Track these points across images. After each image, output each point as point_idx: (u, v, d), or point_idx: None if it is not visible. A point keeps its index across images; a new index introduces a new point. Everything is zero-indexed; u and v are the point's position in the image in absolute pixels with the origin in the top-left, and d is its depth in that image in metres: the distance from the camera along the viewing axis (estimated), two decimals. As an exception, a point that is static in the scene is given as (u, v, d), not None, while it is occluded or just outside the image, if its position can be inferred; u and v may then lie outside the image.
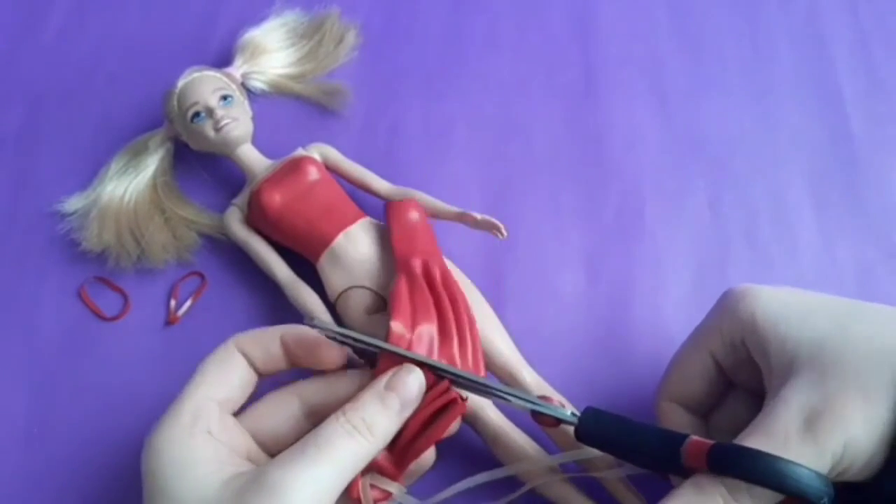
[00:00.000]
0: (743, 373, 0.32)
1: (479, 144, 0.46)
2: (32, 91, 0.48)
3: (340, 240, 0.39)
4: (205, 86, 0.42)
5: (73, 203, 0.43)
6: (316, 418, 0.30)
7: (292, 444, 0.28)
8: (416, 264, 0.37)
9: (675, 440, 0.28)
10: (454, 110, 0.47)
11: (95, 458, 0.37)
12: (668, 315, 0.41)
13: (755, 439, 0.27)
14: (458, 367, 0.33)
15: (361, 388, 0.29)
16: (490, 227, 0.39)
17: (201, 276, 0.42)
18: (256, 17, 0.48)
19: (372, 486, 0.30)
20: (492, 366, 0.37)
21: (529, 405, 0.30)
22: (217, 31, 0.49)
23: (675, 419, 0.33)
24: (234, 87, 0.43)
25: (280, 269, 0.40)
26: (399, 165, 0.44)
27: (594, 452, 0.33)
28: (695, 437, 0.28)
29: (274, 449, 0.30)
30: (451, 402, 0.30)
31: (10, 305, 0.42)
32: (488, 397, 0.31)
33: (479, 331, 0.36)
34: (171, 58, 0.46)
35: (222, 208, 0.42)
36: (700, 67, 0.48)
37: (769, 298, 0.30)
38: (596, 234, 0.43)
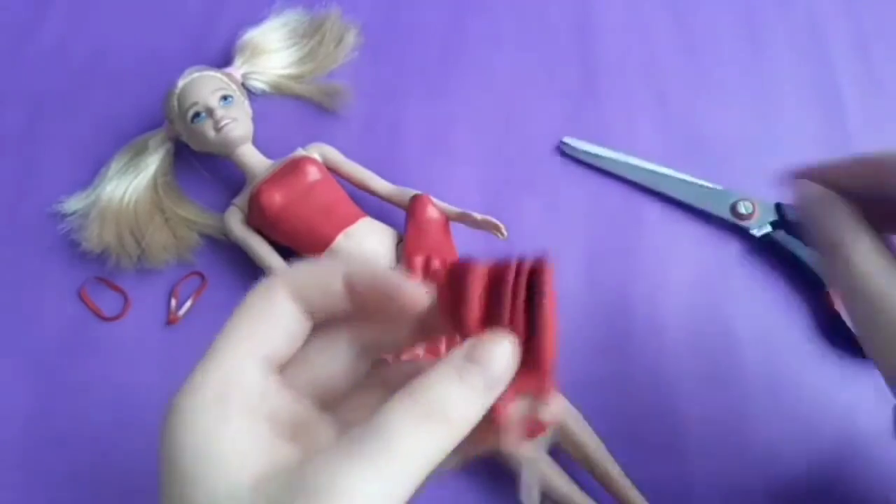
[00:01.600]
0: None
1: (479, 144, 0.46)
2: (33, 91, 0.48)
3: (340, 240, 0.39)
4: (205, 86, 0.42)
5: (74, 203, 0.43)
6: (373, 354, 0.24)
7: (348, 390, 0.23)
8: (418, 261, 0.37)
9: None
10: (454, 110, 0.47)
11: (96, 457, 0.37)
12: (669, 315, 0.41)
13: None
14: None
15: (423, 321, 0.23)
16: (490, 227, 0.40)
17: (201, 276, 0.42)
18: (257, 17, 0.48)
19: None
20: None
21: None
22: (217, 31, 0.49)
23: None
24: (234, 87, 0.43)
25: (280, 268, 0.40)
26: (399, 165, 0.44)
27: None
28: None
29: (328, 399, 0.24)
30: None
31: (10, 305, 0.42)
32: None
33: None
34: (172, 58, 0.46)
35: (222, 208, 0.42)
36: (700, 67, 0.48)
37: None
38: (596, 234, 0.43)
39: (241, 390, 0.22)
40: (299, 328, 0.24)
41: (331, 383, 0.24)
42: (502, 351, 0.22)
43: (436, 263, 0.37)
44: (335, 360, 0.24)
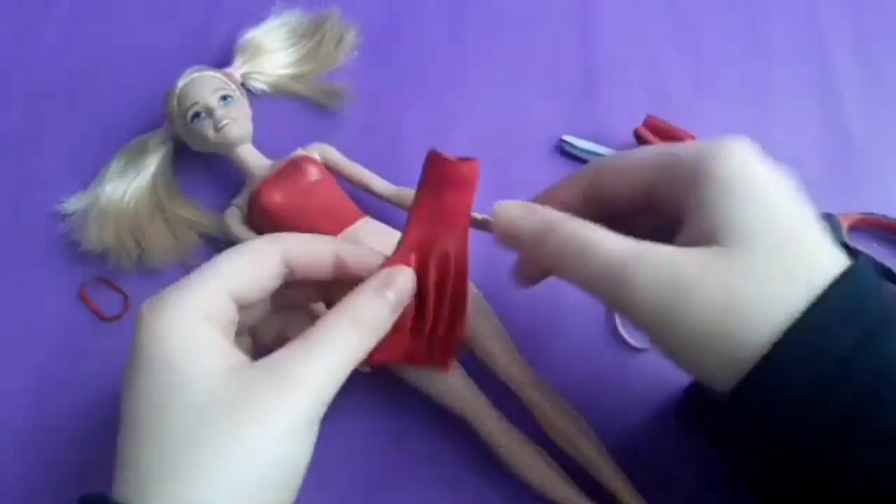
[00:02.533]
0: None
1: (479, 144, 0.46)
2: (32, 91, 0.48)
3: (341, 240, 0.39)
4: (205, 86, 0.42)
5: (74, 203, 0.43)
6: (294, 276, 0.30)
7: (262, 300, 0.30)
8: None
9: None
10: (454, 110, 0.47)
11: (95, 457, 0.37)
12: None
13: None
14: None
15: (338, 252, 0.31)
16: (490, 227, 0.39)
17: (201, 276, 0.42)
18: (256, 17, 0.48)
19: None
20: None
21: None
22: (217, 31, 0.49)
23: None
24: (233, 87, 0.43)
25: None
26: (399, 165, 0.44)
27: None
28: None
29: (247, 303, 0.30)
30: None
31: (10, 306, 0.42)
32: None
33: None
34: (171, 58, 0.46)
35: (222, 208, 0.42)
36: (700, 67, 0.48)
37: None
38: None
39: (217, 310, 0.28)
40: (277, 279, 0.30)
41: (252, 292, 0.30)
42: (405, 277, 0.30)
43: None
44: (266, 274, 0.30)
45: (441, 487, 0.37)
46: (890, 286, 0.27)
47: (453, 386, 0.36)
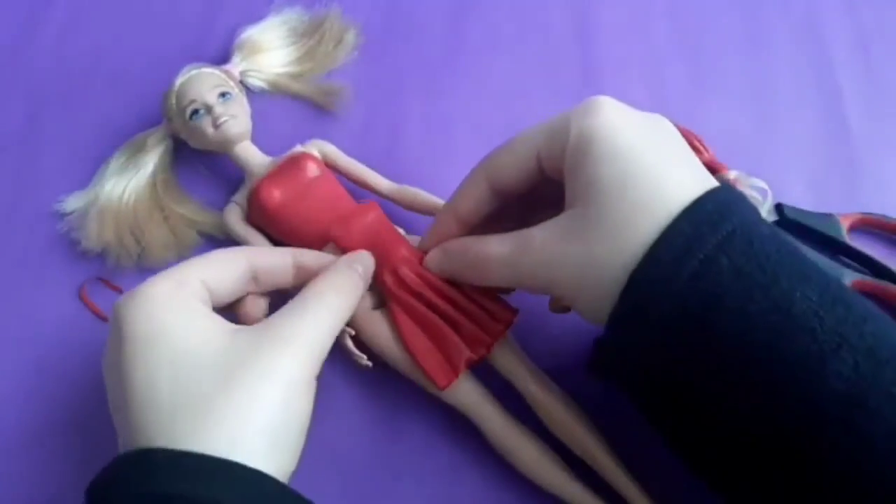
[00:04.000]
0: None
1: (479, 144, 0.46)
2: (33, 91, 0.48)
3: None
4: (203, 83, 0.42)
5: (73, 202, 0.43)
6: (257, 284, 0.33)
7: (232, 301, 0.33)
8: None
9: None
10: (454, 110, 0.47)
11: (95, 457, 0.37)
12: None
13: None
14: None
15: (297, 257, 0.34)
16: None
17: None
18: (255, 16, 0.48)
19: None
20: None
21: None
22: (216, 29, 0.49)
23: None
24: (232, 84, 0.43)
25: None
26: (399, 165, 0.44)
27: None
28: None
29: (216, 303, 0.32)
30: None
31: (9, 305, 0.42)
32: None
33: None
34: (171, 57, 0.46)
35: (222, 206, 0.42)
36: (700, 67, 0.48)
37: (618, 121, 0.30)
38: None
39: (197, 290, 0.30)
40: (245, 284, 0.33)
41: (223, 291, 0.32)
42: (365, 255, 0.36)
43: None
44: (234, 276, 0.33)
45: (443, 484, 0.37)
46: (751, 209, 0.28)
47: (459, 383, 0.36)
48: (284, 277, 0.34)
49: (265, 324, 0.29)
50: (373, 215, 0.38)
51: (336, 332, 0.31)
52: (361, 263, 0.35)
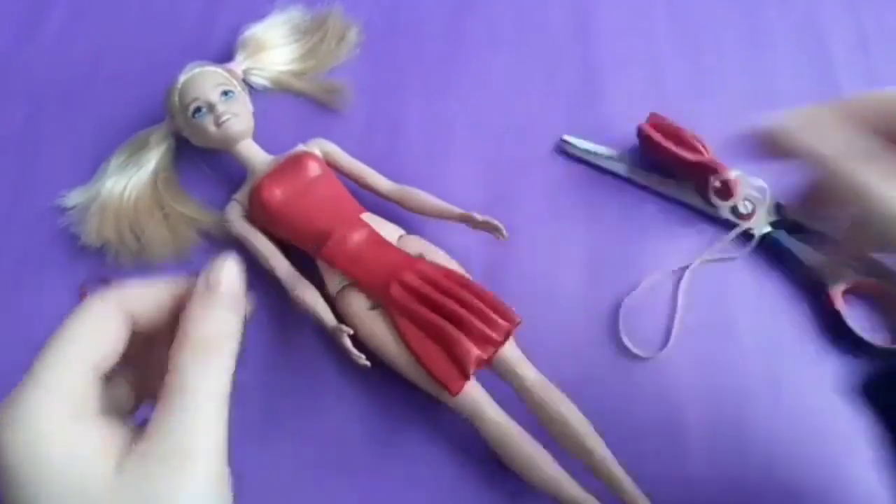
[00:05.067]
0: None
1: (479, 144, 0.46)
2: (33, 91, 0.48)
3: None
4: (206, 81, 0.42)
5: (74, 197, 0.43)
6: (138, 328, 0.26)
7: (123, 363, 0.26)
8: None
9: None
10: (454, 110, 0.47)
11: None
12: (668, 315, 0.41)
13: None
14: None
15: (179, 287, 0.26)
16: (491, 228, 0.39)
17: (200, 274, 0.42)
18: (258, 14, 0.48)
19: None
20: None
21: None
22: (218, 27, 0.49)
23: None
24: (235, 82, 0.43)
25: (280, 264, 0.40)
26: (399, 165, 0.44)
27: None
28: None
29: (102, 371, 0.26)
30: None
31: (10, 301, 0.42)
32: None
33: None
34: (172, 56, 0.46)
35: (223, 204, 0.42)
36: (700, 67, 0.48)
37: None
38: (596, 234, 0.43)
39: (81, 396, 0.24)
40: (125, 335, 0.25)
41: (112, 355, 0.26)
42: (228, 269, 0.25)
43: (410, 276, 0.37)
44: (116, 336, 0.25)
45: (443, 484, 0.37)
46: None
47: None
48: (166, 311, 0.26)
49: (150, 443, 0.23)
50: (364, 232, 0.38)
51: (228, 394, 0.25)
52: (224, 287, 0.26)
